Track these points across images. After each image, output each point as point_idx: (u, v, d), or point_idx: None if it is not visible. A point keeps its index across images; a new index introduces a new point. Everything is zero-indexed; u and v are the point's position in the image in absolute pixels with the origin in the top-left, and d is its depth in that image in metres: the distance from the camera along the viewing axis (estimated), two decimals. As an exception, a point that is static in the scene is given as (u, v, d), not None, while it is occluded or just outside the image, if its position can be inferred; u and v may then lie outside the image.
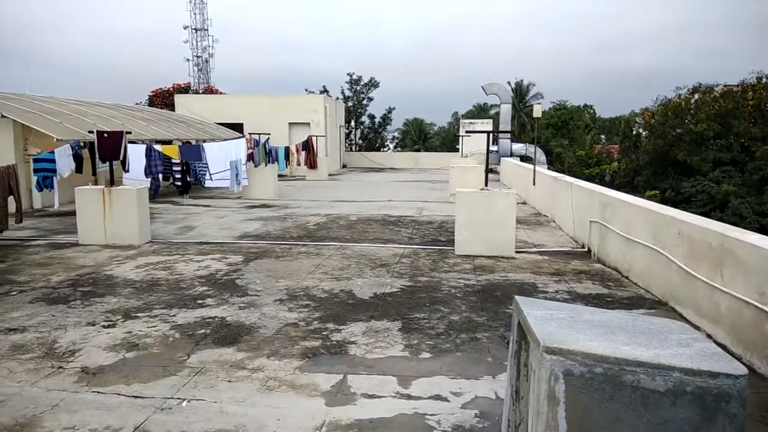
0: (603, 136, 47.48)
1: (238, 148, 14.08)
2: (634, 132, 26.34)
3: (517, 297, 2.81)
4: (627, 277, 6.85)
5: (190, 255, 8.16)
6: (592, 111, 56.81)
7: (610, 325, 2.50)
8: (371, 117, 42.16)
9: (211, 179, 13.69)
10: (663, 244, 5.79)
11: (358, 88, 40.38)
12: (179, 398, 3.71)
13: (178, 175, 13.50)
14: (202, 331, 4.99)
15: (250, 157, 14.94)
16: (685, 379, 2.12)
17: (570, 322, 2.49)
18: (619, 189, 18.71)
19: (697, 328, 4.97)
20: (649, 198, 16.73)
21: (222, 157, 13.68)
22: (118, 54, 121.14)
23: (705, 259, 4.90)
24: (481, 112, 52.05)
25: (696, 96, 20.88)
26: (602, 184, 20.15)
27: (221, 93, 34.99)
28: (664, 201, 17.61)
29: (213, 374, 4.09)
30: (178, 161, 13.26)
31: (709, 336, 4.77)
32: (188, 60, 53.05)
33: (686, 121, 20.16)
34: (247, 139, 15.24)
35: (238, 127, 24.31)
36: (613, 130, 46.78)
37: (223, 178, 13.73)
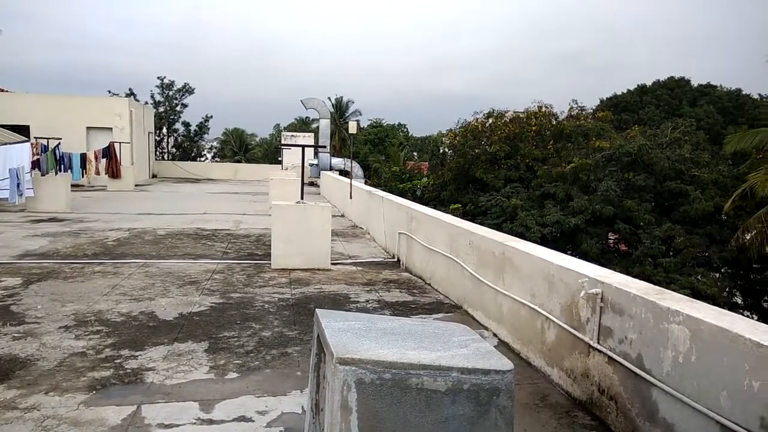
0: (415, 154, 50.93)
1: (21, 154, 12.28)
2: (441, 151, 28.69)
3: (317, 310, 2.84)
4: (430, 284, 7.39)
5: (-50, 279, 6.87)
6: (405, 130, 60.73)
7: (401, 332, 2.64)
8: (186, 125, 40.01)
9: (-17, 189, 11.72)
10: (457, 254, 6.36)
11: (171, 93, 38.05)
12: None
13: (-63, 184, 11.32)
14: (-39, 369, 4.20)
15: (36, 165, 13.13)
16: (462, 377, 2.31)
17: (365, 332, 2.58)
18: (428, 203, 20.20)
19: (485, 328, 5.53)
20: (453, 211, 18.31)
21: (0, 164, 11.81)
22: None
23: (490, 266, 5.48)
24: (303, 125, 52.48)
25: (490, 120, 23.44)
26: (414, 198, 21.53)
27: (4, 90, 30.29)
28: (465, 214, 19.40)
29: (-28, 420, 3.46)
30: (-61, 167, 11.13)
31: (495, 335, 5.34)
32: (-40, 50, 45.09)
33: (482, 142, 22.52)
34: (32, 143, 13.37)
35: (23, 130, 21.20)
36: (424, 149, 50.49)
37: (0, 188, 11.84)
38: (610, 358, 3.62)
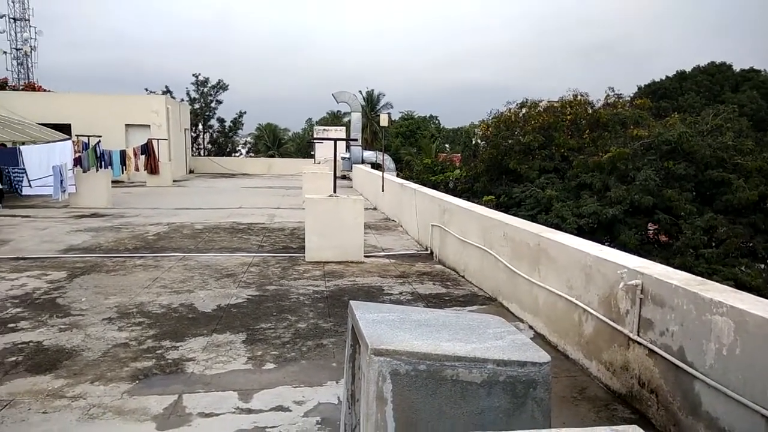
0: (447, 146, 50.59)
1: (64, 152, 12.69)
2: (473, 142, 28.47)
3: (351, 302, 2.85)
4: (463, 277, 7.34)
5: (1, 273, 7.16)
6: (437, 122, 60.39)
7: (435, 324, 2.64)
8: (221, 121, 40.67)
9: (30, 186, 12.16)
10: (491, 245, 6.30)
11: (206, 90, 38.72)
12: (-22, 439, 3.22)
13: (-13, 182, 11.79)
14: (13, 358, 4.39)
15: (78, 162, 13.54)
16: (498, 369, 2.29)
17: (399, 323, 2.58)
18: (460, 195, 20.05)
19: (521, 320, 5.47)
20: (486, 202, 18.16)
21: (44, 162, 12.22)
22: None
23: (525, 258, 5.41)
24: (334, 119, 52.73)
25: (524, 110, 23.08)
26: (446, 190, 21.42)
27: (46, 90, 31.34)
28: (498, 205, 19.20)
29: (24, 406, 3.61)
30: (-13, 166, 11.59)
31: (531, 327, 5.28)
32: (5, 53, 46.64)
33: (516, 132, 22.19)
34: (74, 141, 13.80)
35: (65, 129, 21.92)
36: (456, 140, 50.10)
37: (45, 185, 12.27)
38: (650, 350, 3.53)
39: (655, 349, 3.48)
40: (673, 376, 3.32)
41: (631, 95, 30.54)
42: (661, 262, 4.40)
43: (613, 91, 23.42)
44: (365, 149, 28.70)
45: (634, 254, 4.40)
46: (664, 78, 45.23)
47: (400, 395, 2.23)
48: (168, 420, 3.48)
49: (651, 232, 18.56)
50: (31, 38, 47.58)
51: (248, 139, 54.48)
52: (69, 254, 8.45)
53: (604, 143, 19.92)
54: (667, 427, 3.36)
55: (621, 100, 23.29)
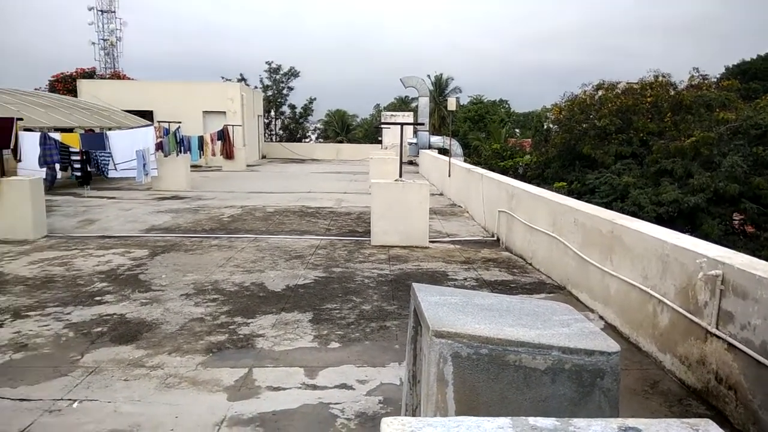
0: (517, 130, 49.35)
1: (146, 137, 13.42)
2: (545, 126, 27.57)
3: (414, 285, 2.86)
4: (531, 264, 7.18)
5: (90, 250, 7.71)
6: (507, 106, 58.90)
7: (498, 309, 2.60)
8: (292, 107, 41.56)
9: (115, 169, 12.96)
10: (561, 232, 6.12)
11: (278, 77, 39.64)
12: (70, 399, 3.51)
13: (77, 165, 12.65)
14: (99, 329, 4.73)
15: (159, 147, 14.27)
16: (564, 357, 2.24)
17: (461, 307, 2.57)
18: (530, 181, 19.56)
19: (591, 310, 5.30)
20: (557, 189, 17.62)
21: (128, 146, 12.98)
22: (16, 36, 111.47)
23: (597, 246, 5.22)
24: (402, 104, 52.57)
25: (600, 92, 22.13)
26: (515, 176, 20.96)
27: (130, 79, 33.16)
28: (570, 192, 18.58)
29: (108, 373, 3.89)
30: (78, 150, 12.42)
31: (601, 317, 5.10)
32: (94, 43, 49.74)
33: (591, 116, 21.34)
34: (155, 127, 14.54)
35: (147, 115, 23.16)
36: (527, 125, 48.77)
37: (129, 168, 13.04)
38: (729, 344, 3.34)
39: (735, 343, 3.28)
40: (755, 373, 3.12)
41: (718, 76, 28.58)
42: (746, 254, 4.13)
43: (698, 71, 22.00)
44: (432, 134, 28.50)
45: (717, 245, 4.15)
46: (755, 57, 41.94)
47: (461, 378, 2.23)
48: (239, 392, 3.65)
49: (736, 222, 17.41)
50: (116, 29, 50.42)
51: (318, 125, 55.35)
52: (151, 234, 8.97)
53: (687, 127, 18.80)
54: (746, 425, 3.17)
55: (706, 82, 21.85)
